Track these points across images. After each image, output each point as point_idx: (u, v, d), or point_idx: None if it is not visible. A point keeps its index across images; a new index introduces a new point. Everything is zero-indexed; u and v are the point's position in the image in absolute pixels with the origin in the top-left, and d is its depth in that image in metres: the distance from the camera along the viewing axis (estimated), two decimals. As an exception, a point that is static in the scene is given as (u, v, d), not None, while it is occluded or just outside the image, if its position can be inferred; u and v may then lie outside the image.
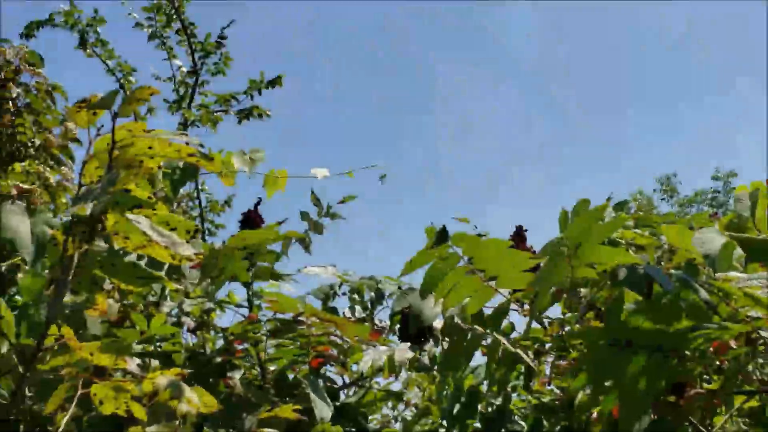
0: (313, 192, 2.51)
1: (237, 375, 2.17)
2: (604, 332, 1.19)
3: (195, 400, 1.15)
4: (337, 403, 2.06)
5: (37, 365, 1.19)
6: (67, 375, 1.18)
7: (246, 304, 2.45)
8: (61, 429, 1.19)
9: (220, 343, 2.37)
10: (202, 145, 0.97)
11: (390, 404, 2.57)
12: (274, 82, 5.47)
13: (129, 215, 0.98)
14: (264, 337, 2.16)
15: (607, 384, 1.22)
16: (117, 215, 0.99)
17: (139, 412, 1.27)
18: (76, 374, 1.15)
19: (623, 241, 1.89)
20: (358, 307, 2.44)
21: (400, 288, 2.00)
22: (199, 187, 5.28)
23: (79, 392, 1.24)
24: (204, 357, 2.26)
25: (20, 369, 2.09)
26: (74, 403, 1.22)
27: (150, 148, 1.00)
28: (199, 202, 5.22)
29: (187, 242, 1.01)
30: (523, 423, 1.75)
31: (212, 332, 2.37)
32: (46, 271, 2.25)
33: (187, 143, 1.00)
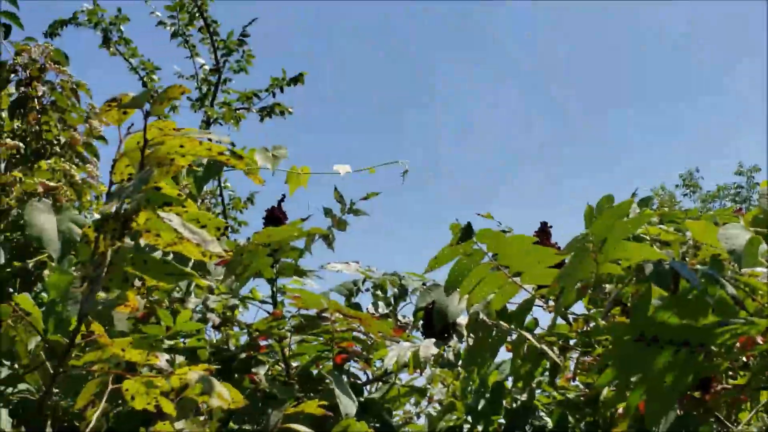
0: (336, 189, 2.52)
1: (262, 371, 2.18)
2: (630, 328, 1.19)
3: (225, 395, 1.16)
4: (361, 399, 2.07)
5: (69, 361, 1.21)
6: (99, 370, 1.19)
7: (269, 300, 2.47)
8: (92, 424, 1.21)
9: (243, 339, 2.39)
10: (233, 144, 0.98)
11: (413, 400, 2.57)
12: (296, 80, 5.50)
13: (161, 213, 0.99)
14: (288, 333, 2.17)
15: (633, 379, 1.22)
16: (149, 213, 1.01)
17: (168, 407, 1.29)
18: (108, 370, 1.17)
19: (648, 237, 1.89)
20: (381, 303, 2.45)
21: (424, 284, 2.01)
22: (222, 185, 5.32)
23: (110, 388, 1.25)
24: (229, 353, 2.28)
25: (48, 365, 2.12)
26: (104, 399, 1.23)
27: (181, 146, 1.01)
28: (222, 199, 5.25)
29: (218, 239, 1.02)
30: (547, 419, 1.76)
31: (236, 328, 2.39)
32: (73, 268, 2.27)
33: (214, 141, 1.01)
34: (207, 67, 5.63)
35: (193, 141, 1.00)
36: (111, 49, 5.36)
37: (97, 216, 2.85)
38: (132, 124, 1.12)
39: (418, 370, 2.03)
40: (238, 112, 5.42)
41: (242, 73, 5.61)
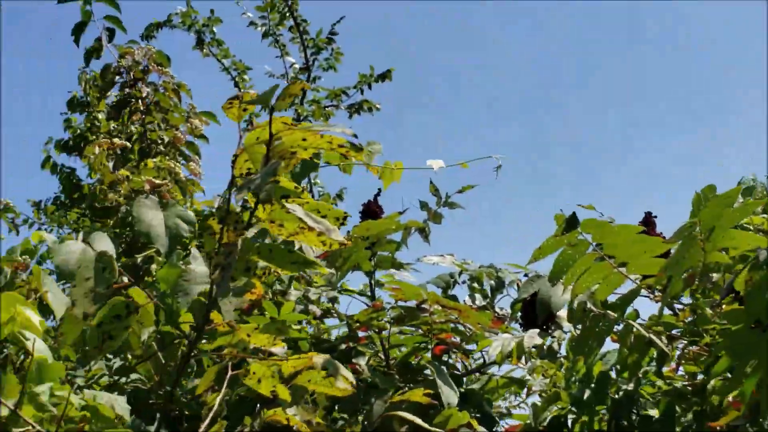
0: (432, 182, 2.55)
1: (362, 361, 2.22)
2: (745, 315, 1.19)
3: (350, 377, 1.20)
4: (462, 390, 2.09)
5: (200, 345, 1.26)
6: (228, 355, 1.25)
7: (358, 292, 2.52)
8: (215, 408, 1.26)
9: (335, 332, 2.43)
10: (355, 136, 1.02)
11: (508, 393, 2.58)
12: (384, 76, 5.55)
13: (286, 203, 1.04)
14: (388, 325, 2.20)
15: (747, 368, 1.22)
16: (274, 204, 1.05)
17: (284, 393, 1.33)
18: (236, 354, 1.22)
19: (751, 227, 1.87)
20: (478, 296, 2.47)
21: (526, 275, 2.02)
22: (312, 181, 5.40)
23: (230, 374, 1.30)
24: (328, 343, 2.33)
25: (160, 355, 2.20)
26: (225, 384, 1.29)
27: (303, 139, 1.05)
28: (312, 196, 5.33)
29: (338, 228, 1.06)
30: (652, 409, 1.75)
31: (329, 321, 2.44)
32: (181, 262, 2.35)
33: (336, 133, 1.05)
34: (297, 66, 5.72)
35: (315, 134, 1.04)
36: (204, 50, 5.48)
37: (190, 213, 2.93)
38: (250, 121, 1.17)
39: (513, 362, 2.05)
40: (327, 109, 5.49)
41: (331, 70, 5.70)
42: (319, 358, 1.20)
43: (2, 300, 1.82)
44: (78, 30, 3.02)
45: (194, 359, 2.39)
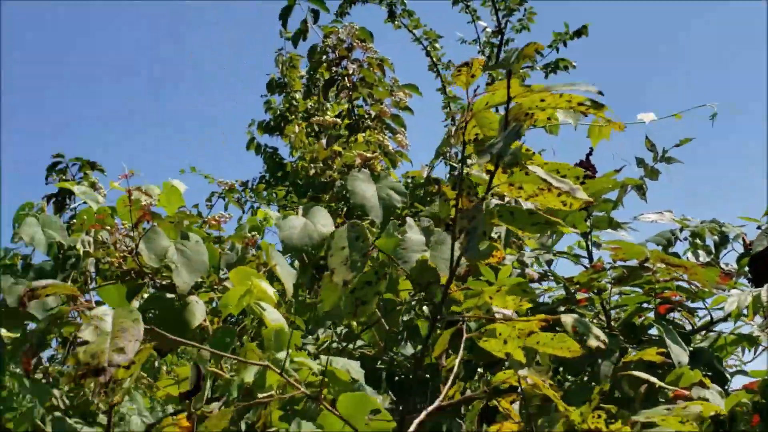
0: (647, 137, 2.47)
1: (582, 323, 2.21)
2: None
3: (602, 337, 1.20)
4: (691, 348, 2.03)
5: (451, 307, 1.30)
6: (472, 318, 1.28)
7: (573, 255, 2.49)
8: (455, 370, 1.30)
9: (543, 296, 2.42)
10: (601, 93, 1.00)
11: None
12: (580, 33, 5.42)
13: (528, 165, 1.04)
14: (608, 285, 2.17)
15: None
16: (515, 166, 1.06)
17: (519, 354, 1.34)
18: (481, 316, 1.25)
19: None
20: (701, 252, 2.38)
21: (759, 227, 1.93)
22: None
23: (465, 336, 1.33)
24: (546, 306, 2.32)
25: (383, 322, 2.27)
26: (462, 347, 1.32)
27: (542, 100, 1.05)
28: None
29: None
30: None
31: (544, 283, 2.43)
32: (396, 231, 2.42)
33: (579, 92, 1.04)
34: (489, 30, 5.69)
35: (553, 94, 1.04)
36: (396, 22, 5.55)
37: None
38: (477, 86, 1.18)
39: (749, 318, 1.97)
40: (522, 71, 5.42)
41: (524, 31, 5.62)
42: (568, 317, 1.21)
43: (237, 274, 1.94)
44: (285, 14, 3.14)
45: (405, 325, 2.46)
